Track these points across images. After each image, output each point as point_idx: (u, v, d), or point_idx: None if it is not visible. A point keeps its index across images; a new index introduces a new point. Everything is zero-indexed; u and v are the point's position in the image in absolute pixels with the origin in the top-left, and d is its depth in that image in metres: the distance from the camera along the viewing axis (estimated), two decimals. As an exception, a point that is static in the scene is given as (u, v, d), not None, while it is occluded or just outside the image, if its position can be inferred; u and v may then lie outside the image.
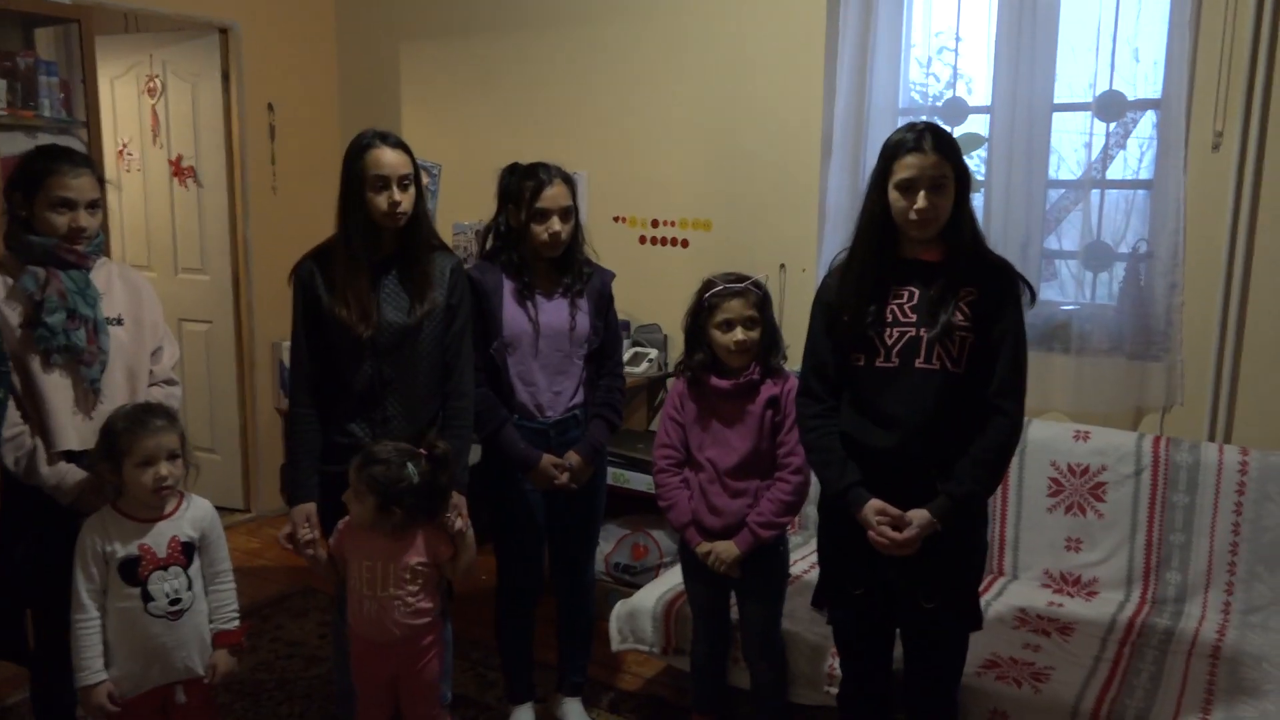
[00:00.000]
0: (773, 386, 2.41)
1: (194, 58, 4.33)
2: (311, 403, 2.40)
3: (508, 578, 2.72)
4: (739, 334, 2.37)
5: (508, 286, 2.56)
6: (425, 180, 2.50)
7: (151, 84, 4.44)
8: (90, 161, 2.31)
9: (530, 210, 2.49)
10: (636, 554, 3.48)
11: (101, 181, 2.32)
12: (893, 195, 2.06)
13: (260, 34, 4.31)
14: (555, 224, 2.49)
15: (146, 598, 2.09)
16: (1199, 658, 2.50)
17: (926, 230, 2.06)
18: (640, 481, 3.42)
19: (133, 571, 2.09)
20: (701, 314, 2.42)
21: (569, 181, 2.54)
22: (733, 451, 2.43)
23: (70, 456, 2.25)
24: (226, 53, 4.26)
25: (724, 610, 2.59)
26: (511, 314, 2.54)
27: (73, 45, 3.47)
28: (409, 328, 2.37)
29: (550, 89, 4.08)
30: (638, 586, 3.13)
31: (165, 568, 2.11)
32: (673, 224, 3.88)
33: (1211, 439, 2.94)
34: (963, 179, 2.08)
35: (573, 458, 2.58)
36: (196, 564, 2.18)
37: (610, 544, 3.49)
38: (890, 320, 2.09)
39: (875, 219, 2.11)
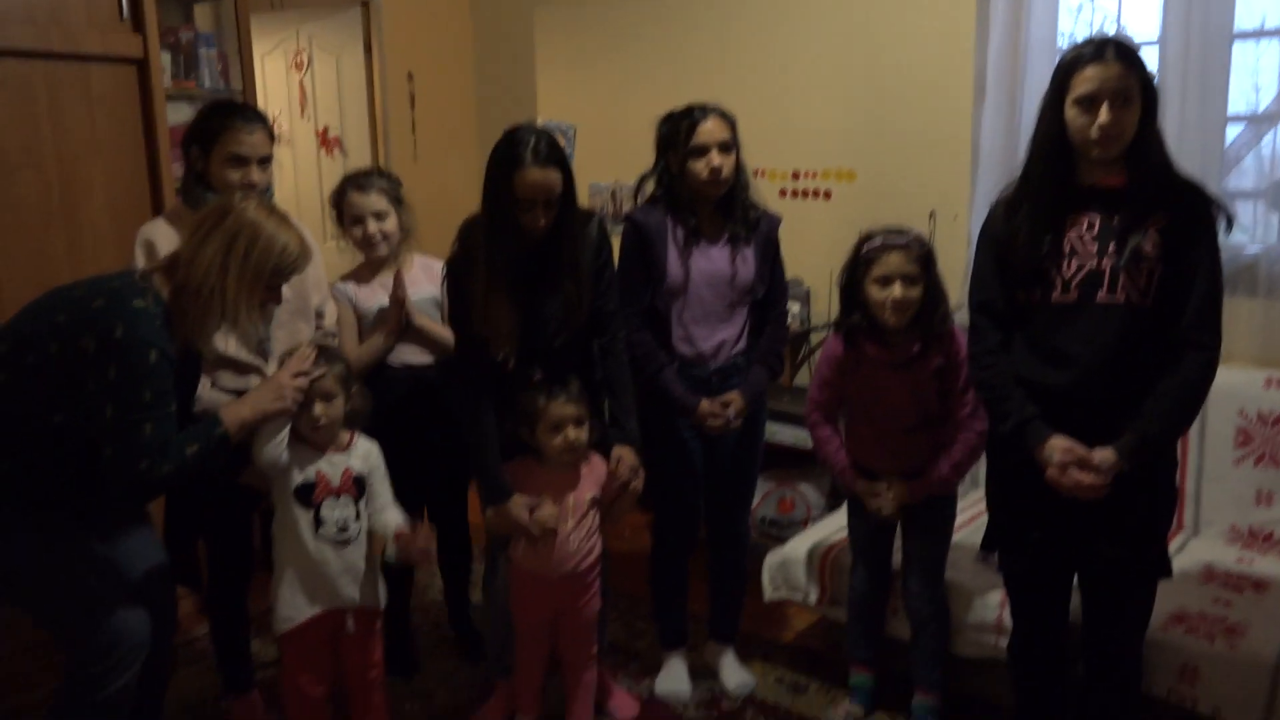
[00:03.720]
0: (938, 356, 2.28)
1: (338, 31, 4.46)
2: (478, 393, 2.29)
3: (665, 523, 2.69)
4: (897, 290, 2.23)
5: (671, 232, 2.50)
6: (560, 142, 2.45)
7: (299, 58, 4.60)
8: (264, 118, 2.38)
9: (687, 148, 2.43)
10: (783, 508, 3.42)
11: (272, 138, 2.39)
12: (1071, 113, 1.93)
13: (399, 4, 4.40)
14: (715, 158, 2.41)
15: (318, 522, 2.16)
16: None
17: (1110, 149, 1.92)
18: (786, 435, 3.36)
19: (307, 496, 2.16)
20: (858, 269, 2.31)
21: (727, 118, 2.47)
22: (900, 416, 2.35)
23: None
24: (368, 24, 4.37)
25: (886, 552, 2.51)
26: (674, 260, 2.49)
27: (228, 19, 3.61)
28: (558, 328, 2.30)
29: (684, 45, 4.02)
30: (784, 541, 3.08)
31: (337, 495, 2.18)
32: (814, 175, 3.78)
33: None
34: (1149, 93, 1.94)
35: (734, 398, 2.53)
36: (363, 499, 2.24)
37: (756, 498, 3.42)
38: (1068, 251, 1.97)
39: (1051, 141, 1.98)
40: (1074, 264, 1.95)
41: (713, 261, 2.50)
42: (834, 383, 2.43)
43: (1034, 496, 2.03)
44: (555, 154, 2.18)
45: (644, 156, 2.60)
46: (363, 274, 2.67)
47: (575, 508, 2.31)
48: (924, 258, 2.26)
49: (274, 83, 4.68)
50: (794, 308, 3.75)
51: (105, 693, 1.95)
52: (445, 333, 2.59)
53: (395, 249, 2.64)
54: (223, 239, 1.88)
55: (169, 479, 1.87)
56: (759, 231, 2.54)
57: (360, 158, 4.48)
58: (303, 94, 4.63)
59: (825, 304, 3.81)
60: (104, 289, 1.85)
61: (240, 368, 2.37)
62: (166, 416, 1.84)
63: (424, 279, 2.69)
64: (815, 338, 3.86)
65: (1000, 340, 2.06)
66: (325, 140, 4.59)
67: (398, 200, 2.63)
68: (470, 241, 2.26)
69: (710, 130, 2.42)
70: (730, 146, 2.45)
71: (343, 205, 2.60)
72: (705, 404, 2.49)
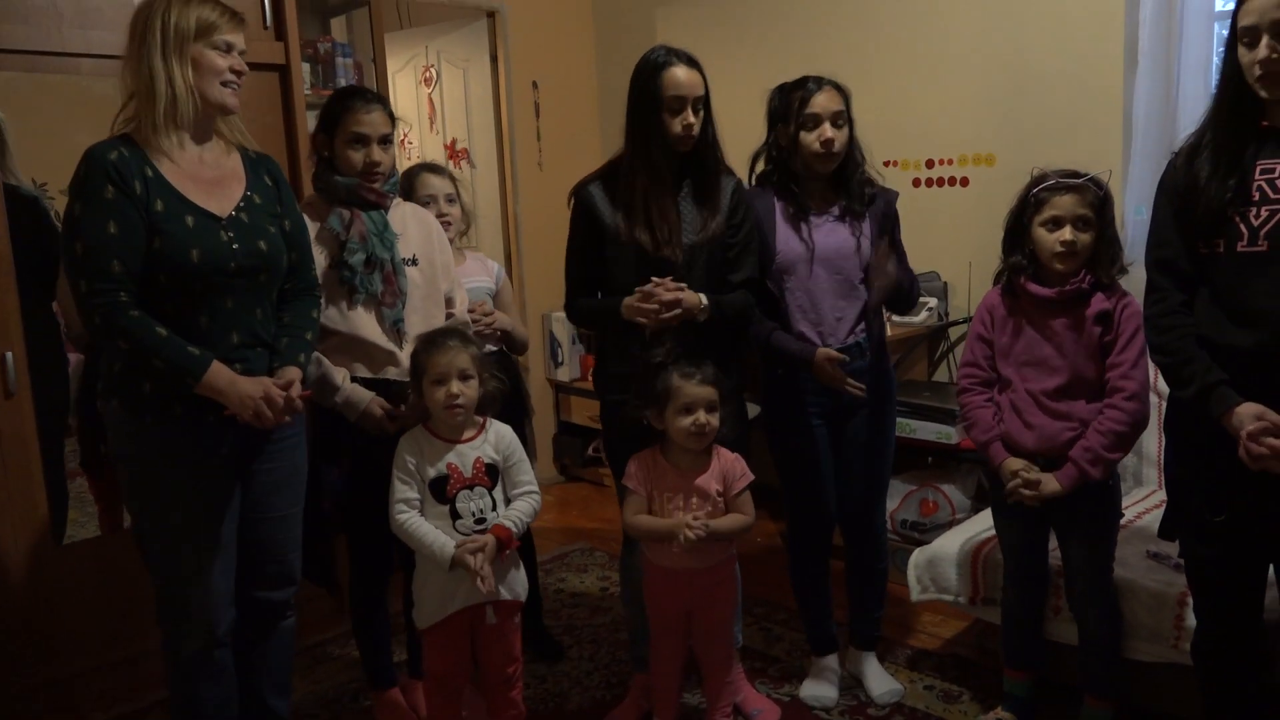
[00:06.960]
0: (1105, 300, 2.12)
1: (465, 43, 4.54)
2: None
3: (797, 520, 2.59)
4: (1067, 233, 2.09)
5: (779, 209, 2.43)
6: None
7: (427, 74, 4.71)
8: (382, 99, 2.40)
9: (799, 119, 2.35)
10: (925, 510, 3.25)
11: (392, 118, 2.40)
12: (1240, 48, 1.77)
13: (524, 13, 4.45)
14: (827, 130, 2.33)
15: (454, 515, 2.13)
16: None
17: (1272, 86, 1.74)
18: (927, 431, 3.19)
19: (441, 489, 2.13)
20: (1026, 210, 2.17)
21: (841, 90, 2.39)
22: (1053, 373, 2.16)
23: (373, 386, 2.32)
24: (494, 35, 4.42)
25: (1040, 550, 2.32)
26: (784, 237, 2.41)
27: (361, 31, 3.73)
28: (697, 247, 2.31)
29: (811, 42, 3.92)
30: (927, 545, 2.91)
31: (471, 487, 2.15)
32: (950, 162, 3.62)
33: None
34: None
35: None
36: (500, 487, 2.20)
37: (896, 500, 3.27)
38: (1257, 198, 1.79)
39: (1231, 81, 1.82)
40: (1264, 211, 1.77)
41: (825, 236, 2.42)
42: (988, 338, 2.28)
43: (1220, 473, 1.84)
44: (696, 62, 2.27)
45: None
46: None
47: (701, 499, 2.22)
48: (1099, 202, 2.12)
49: (404, 99, 4.80)
50: (931, 302, 3.59)
51: (178, 654, 2.02)
52: (520, 326, 2.85)
53: (455, 239, 2.72)
54: (139, 24, 1.91)
55: (112, 334, 1.85)
56: (875, 207, 2.45)
57: (487, 168, 4.55)
58: (431, 108, 4.73)
59: (964, 297, 3.64)
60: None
61: (374, 356, 2.34)
62: (108, 243, 1.82)
63: (479, 269, 2.82)
64: (954, 333, 3.69)
65: (1182, 301, 1.88)
66: (454, 153, 4.67)
67: (459, 193, 2.77)
68: (606, 167, 2.37)
69: (823, 102, 2.35)
70: (844, 119, 2.37)
71: (414, 185, 2.68)
72: (821, 353, 2.34)
